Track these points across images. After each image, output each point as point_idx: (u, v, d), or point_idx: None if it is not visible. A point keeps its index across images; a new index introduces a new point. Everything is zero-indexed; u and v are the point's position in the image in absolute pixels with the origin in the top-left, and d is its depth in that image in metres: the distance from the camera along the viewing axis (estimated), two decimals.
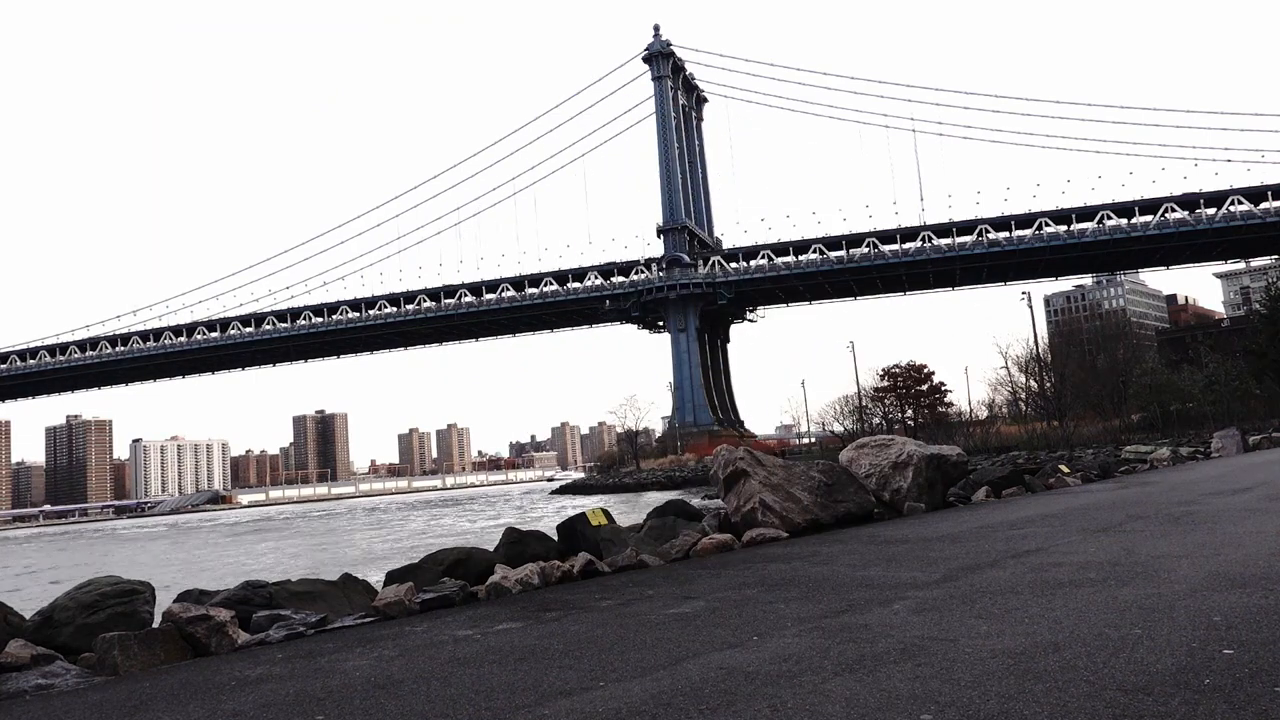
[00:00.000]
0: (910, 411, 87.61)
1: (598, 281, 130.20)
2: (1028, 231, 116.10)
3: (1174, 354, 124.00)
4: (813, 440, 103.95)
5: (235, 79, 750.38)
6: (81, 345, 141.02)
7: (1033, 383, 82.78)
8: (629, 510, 36.36)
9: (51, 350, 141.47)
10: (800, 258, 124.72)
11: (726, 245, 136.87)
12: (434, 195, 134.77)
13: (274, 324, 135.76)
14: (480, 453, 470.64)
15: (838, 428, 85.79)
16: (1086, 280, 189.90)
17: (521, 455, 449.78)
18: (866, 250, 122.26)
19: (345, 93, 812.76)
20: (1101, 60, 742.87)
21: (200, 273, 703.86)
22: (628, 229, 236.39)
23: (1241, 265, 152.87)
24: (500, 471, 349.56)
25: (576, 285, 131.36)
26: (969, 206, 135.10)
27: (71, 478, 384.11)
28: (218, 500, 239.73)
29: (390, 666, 4.75)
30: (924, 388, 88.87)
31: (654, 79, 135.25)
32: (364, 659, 5.01)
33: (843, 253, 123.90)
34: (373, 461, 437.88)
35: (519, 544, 9.12)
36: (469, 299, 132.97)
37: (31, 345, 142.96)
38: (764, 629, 5.01)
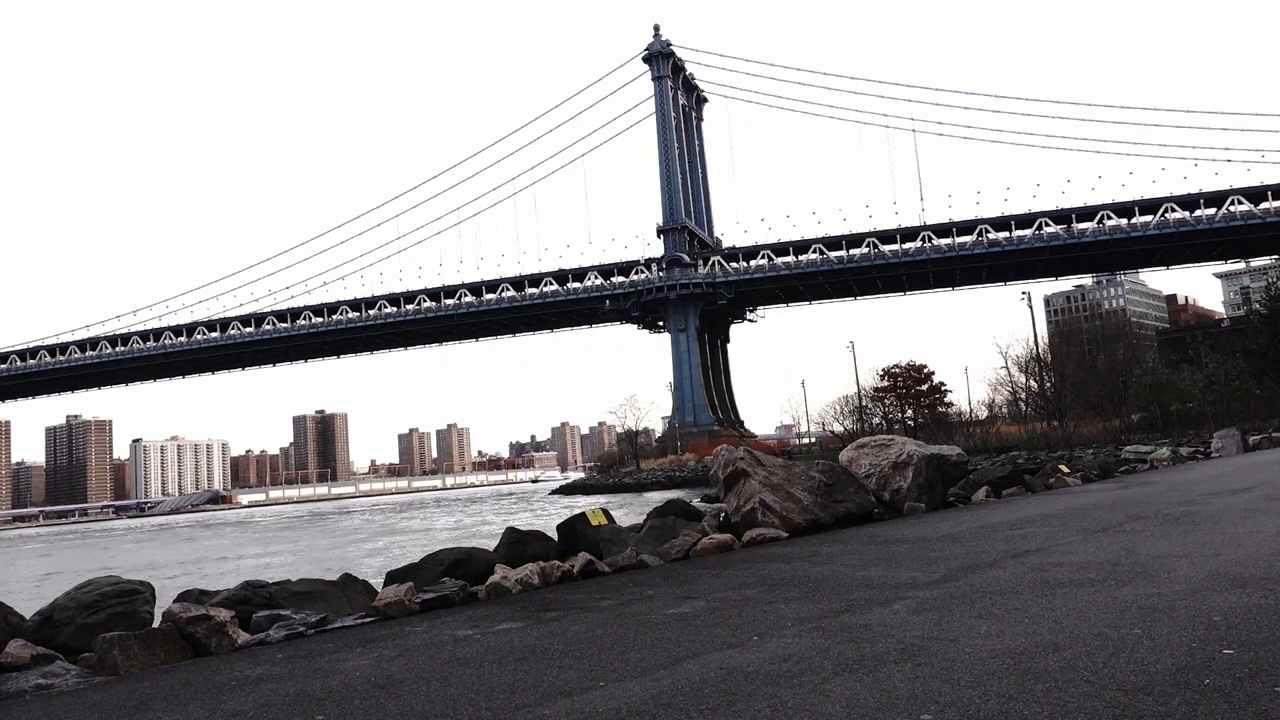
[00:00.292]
0: (910, 411, 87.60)
1: (598, 281, 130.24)
2: (1028, 231, 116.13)
3: (1174, 354, 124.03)
4: (813, 440, 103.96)
5: (235, 79, 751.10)
6: (81, 345, 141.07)
7: (1033, 383, 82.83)
8: (629, 510, 36.35)
9: (51, 350, 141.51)
10: (800, 258, 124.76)
11: (726, 245, 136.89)
12: (434, 195, 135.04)
13: (274, 324, 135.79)
14: (480, 453, 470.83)
15: (838, 428, 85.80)
16: (1086, 280, 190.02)
17: (521, 455, 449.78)
18: (866, 250, 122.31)
19: (345, 93, 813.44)
20: (1101, 60, 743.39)
21: (200, 273, 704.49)
22: (628, 229, 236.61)
23: (1241, 265, 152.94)
24: (500, 471, 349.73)
25: (576, 285, 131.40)
26: (969, 206, 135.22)
27: (71, 478, 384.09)
28: (218, 500, 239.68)
29: (390, 666, 4.75)
30: (924, 388, 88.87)
31: (654, 79, 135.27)
32: (364, 659, 5.01)
33: (843, 253, 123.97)
34: (373, 461, 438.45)
35: (519, 544, 9.12)
36: (469, 299, 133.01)
37: (31, 345, 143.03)
38: (764, 629, 5.01)
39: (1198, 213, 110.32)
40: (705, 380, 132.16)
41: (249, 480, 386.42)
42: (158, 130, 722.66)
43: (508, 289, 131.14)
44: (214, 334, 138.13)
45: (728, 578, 7.29)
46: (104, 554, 49.61)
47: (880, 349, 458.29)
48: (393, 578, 8.06)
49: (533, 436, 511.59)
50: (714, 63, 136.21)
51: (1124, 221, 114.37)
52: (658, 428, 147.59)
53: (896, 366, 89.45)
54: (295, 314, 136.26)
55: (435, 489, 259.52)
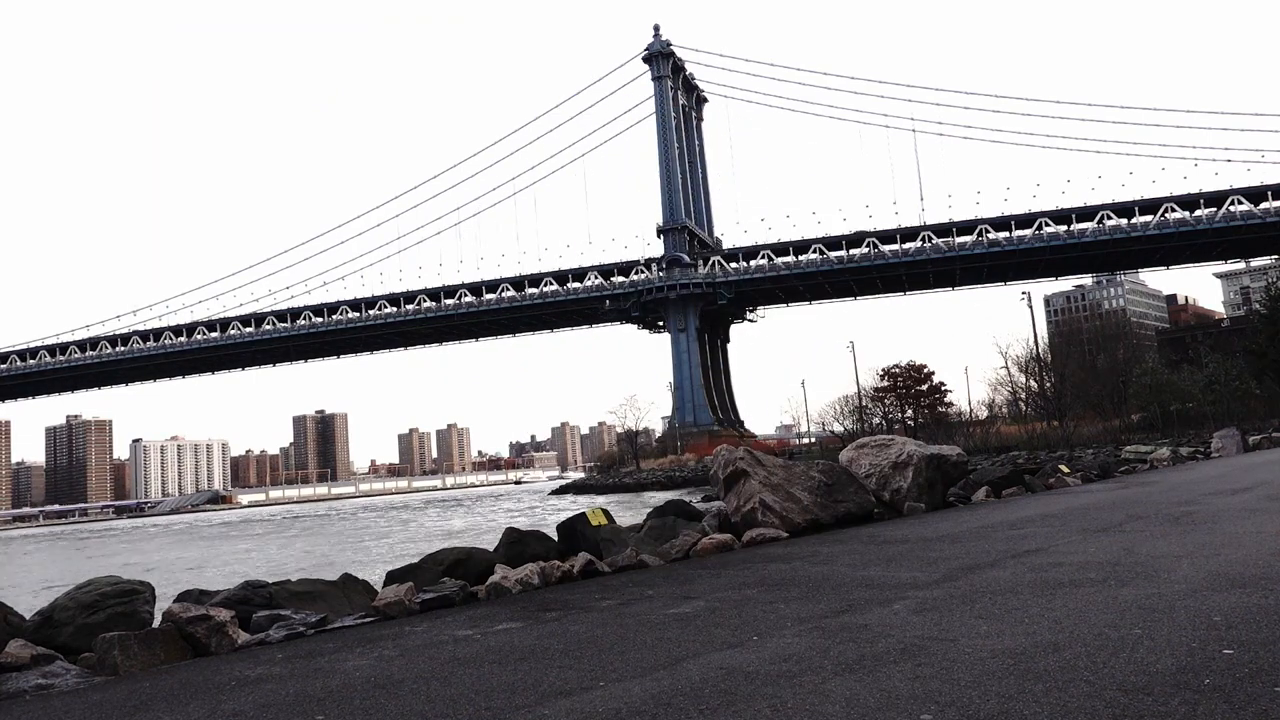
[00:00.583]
0: (910, 411, 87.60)
1: (598, 281, 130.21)
2: (1028, 231, 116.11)
3: (1174, 354, 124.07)
4: (813, 440, 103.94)
5: (235, 79, 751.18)
6: (81, 345, 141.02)
7: (1033, 383, 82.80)
8: (629, 510, 36.35)
9: (51, 350, 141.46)
10: (800, 258, 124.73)
11: (726, 245, 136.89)
12: (434, 195, 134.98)
13: (274, 324, 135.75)
14: (480, 453, 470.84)
15: (838, 428, 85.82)
16: (1086, 280, 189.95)
17: (521, 455, 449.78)
18: (866, 250, 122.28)
19: (345, 93, 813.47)
20: (1101, 60, 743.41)
21: (200, 273, 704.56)
22: (628, 229, 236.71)
23: (1241, 265, 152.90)
24: (500, 471, 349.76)
25: (576, 285, 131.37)
26: (969, 206, 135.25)
27: (71, 478, 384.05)
28: (218, 500, 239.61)
29: (390, 666, 4.75)
30: (924, 388, 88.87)
31: (654, 79, 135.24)
32: (364, 659, 5.01)
33: (843, 253, 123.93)
34: (373, 461, 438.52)
35: (519, 544, 9.13)
36: (469, 299, 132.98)
37: (31, 345, 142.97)
38: (764, 629, 5.01)
39: (1198, 213, 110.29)
40: (705, 380, 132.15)
41: (249, 480, 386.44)
42: (158, 130, 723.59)
43: (508, 289, 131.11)
44: (214, 334, 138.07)
45: (728, 578, 7.29)
46: (104, 554, 49.61)
47: (880, 349, 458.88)
48: (393, 578, 8.06)
49: (533, 436, 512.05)
50: (714, 63, 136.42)
51: (1124, 221, 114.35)
52: (658, 428, 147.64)
53: (896, 366, 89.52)
54: (295, 314, 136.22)
55: (435, 489, 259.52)
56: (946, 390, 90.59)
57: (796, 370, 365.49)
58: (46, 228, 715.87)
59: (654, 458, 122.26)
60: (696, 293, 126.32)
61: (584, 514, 9.88)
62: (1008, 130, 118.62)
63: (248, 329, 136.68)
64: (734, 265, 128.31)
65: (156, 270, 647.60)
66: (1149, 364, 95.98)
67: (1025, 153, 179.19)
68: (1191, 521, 9.10)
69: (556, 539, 9.57)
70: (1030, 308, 73.70)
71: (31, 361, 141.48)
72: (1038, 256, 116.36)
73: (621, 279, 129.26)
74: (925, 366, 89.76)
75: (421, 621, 6.26)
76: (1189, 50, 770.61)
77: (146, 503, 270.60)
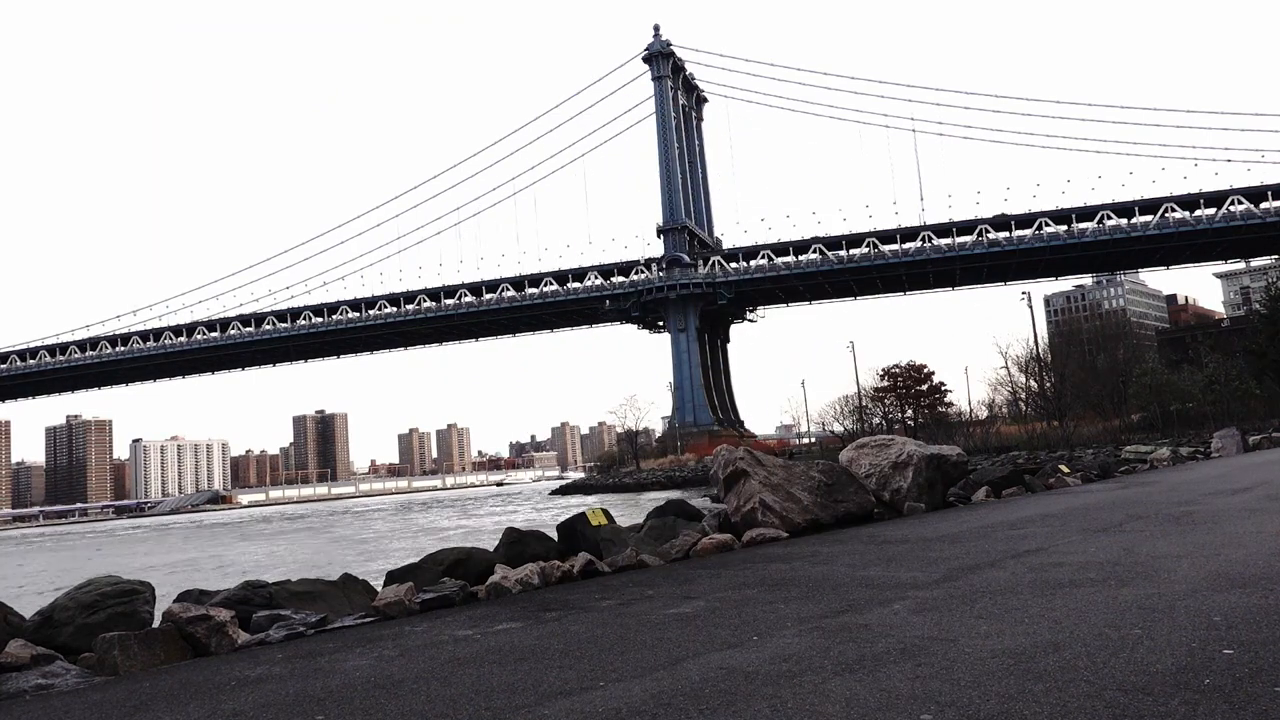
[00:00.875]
0: (910, 411, 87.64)
1: (598, 281, 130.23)
2: (1028, 231, 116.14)
3: (1174, 354, 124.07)
4: (813, 440, 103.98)
5: (235, 79, 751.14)
6: (81, 345, 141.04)
7: (1033, 383, 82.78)
8: (629, 510, 36.33)
9: (51, 350, 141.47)
10: (800, 258, 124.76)
11: (726, 245, 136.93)
12: (434, 195, 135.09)
13: (274, 324, 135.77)
14: (480, 453, 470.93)
15: (838, 428, 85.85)
16: (1086, 280, 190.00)
17: (521, 455, 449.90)
18: (866, 250, 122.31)
19: (345, 93, 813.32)
20: (1101, 60, 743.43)
21: (200, 273, 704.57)
22: (628, 229, 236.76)
23: (1241, 265, 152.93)
24: (501, 471, 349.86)
25: (576, 285, 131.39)
26: (969, 206, 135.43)
27: (71, 478, 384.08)
28: (218, 500, 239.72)
29: (390, 666, 4.75)
30: (924, 388, 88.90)
31: (654, 79, 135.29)
32: (364, 659, 5.01)
33: (843, 253, 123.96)
34: (373, 461, 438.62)
35: (519, 544, 9.12)
36: (469, 299, 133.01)
37: (31, 345, 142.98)
38: (764, 629, 5.01)
39: (1198, 213, 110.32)
40: (705, 380, 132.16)
41: (249, 480, 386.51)
42: (158, 130, 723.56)
43: (508, 289, 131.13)
44: (214, 334, 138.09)
45: (728, 578, 7.29)
46: (104, 554, 49.61)
47: (880, 349, 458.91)
48: (393, 578, 8.06)
49: (533, 436, 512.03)
50: (714, 63, 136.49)
51: (1124, 221, 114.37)
52: (658, 428, 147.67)
53: (896, 366, 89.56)
54: (295, 314, 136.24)
55: (435, 489, 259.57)
56: (946, 390, 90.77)
57: (796, 370, 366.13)
58: (46, 228, 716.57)
59: (654, 458, 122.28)
60: (696, 293, 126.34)
61: (584, 514, 9.87)
62: (1008, 130, 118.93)
63: (248, 329, 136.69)
64: (734, 265, 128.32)
65: (156, 270, 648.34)
66: (1149, 364, 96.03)
67: (1025, 153, 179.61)
68: (1191, 521, 9.10)
69: (556, 539, 9.57)
70: (1030, 308, 73.74)
71: (31, 361, 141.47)
72: (1038, 256, 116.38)
73: (621, 279, 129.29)
74: (925, 366, 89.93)
75: (421, 621, 6.26)
76: (1189, 50, 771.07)
77: (146, 503, 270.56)
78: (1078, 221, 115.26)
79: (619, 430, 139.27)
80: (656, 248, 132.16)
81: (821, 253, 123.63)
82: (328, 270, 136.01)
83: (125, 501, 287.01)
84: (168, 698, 4.44)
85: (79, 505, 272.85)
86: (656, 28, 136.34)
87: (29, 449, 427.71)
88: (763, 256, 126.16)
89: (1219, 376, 74.65)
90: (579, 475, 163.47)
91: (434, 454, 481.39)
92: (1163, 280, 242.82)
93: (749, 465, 11.25)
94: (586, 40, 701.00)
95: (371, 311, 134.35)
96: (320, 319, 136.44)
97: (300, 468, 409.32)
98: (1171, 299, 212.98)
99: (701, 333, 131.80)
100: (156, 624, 6.19)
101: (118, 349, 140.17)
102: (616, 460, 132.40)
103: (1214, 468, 22.06)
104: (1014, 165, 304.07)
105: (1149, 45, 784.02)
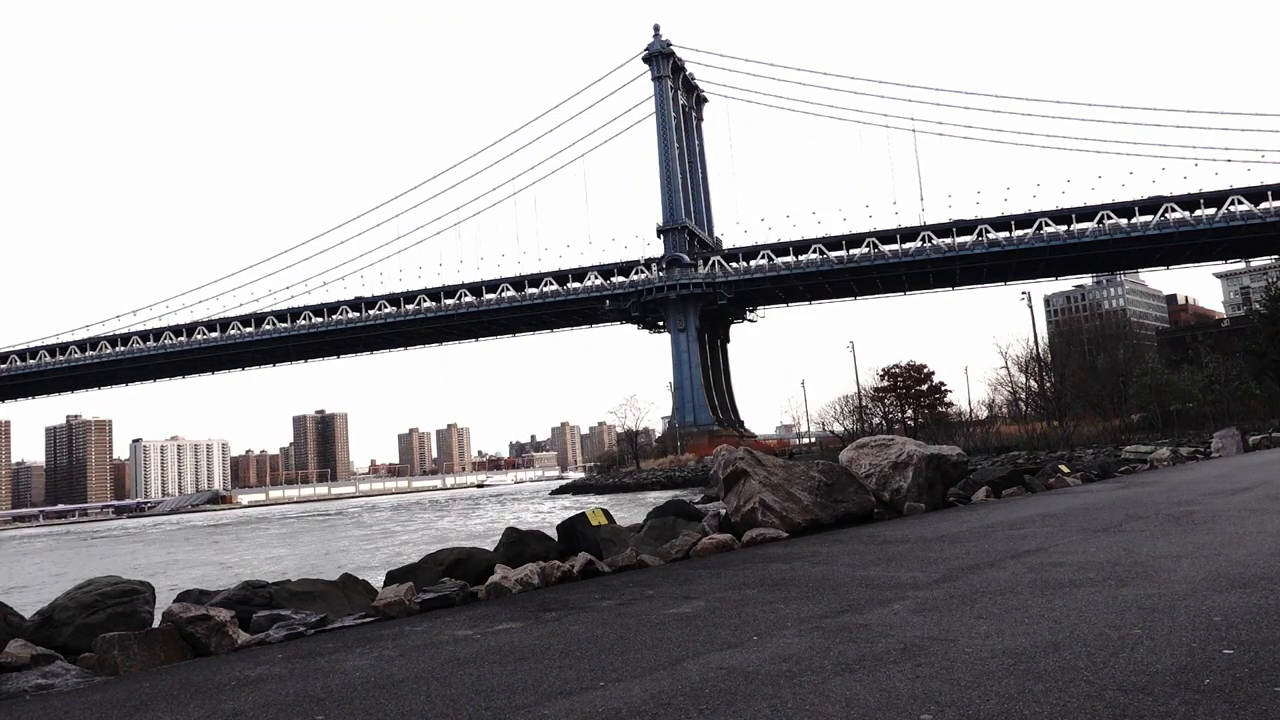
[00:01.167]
0: (910, 411, 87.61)
1: (598, 281, 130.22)
2: (1028, 231, 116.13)
3: (1174, 354, 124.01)
4: (813, 440, 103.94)
5: (235, 79, 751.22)
6: (81, 345, 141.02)
7: (1033, 383, 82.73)
8: (629, 510, 36.34)
9: (51, 350, 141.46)
10: (800, 258, 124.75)
11: (726, 245, 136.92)
12: (434, 195, 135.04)
13: (274, 324, 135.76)
14: (480, 453, 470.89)
15: (838, 428, 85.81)
16: (1086, 280, 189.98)
17: (521, 455, 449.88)
18: (866, 250, 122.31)
19: (345, 93, 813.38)
20: (1101, 60, 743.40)
21: (200, 273, 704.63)
22: (628, 229, 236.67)
23: (1241, 265, 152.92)
24: (501, 471, 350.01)
25: (576, 285, 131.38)
26: (969, 206, 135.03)
27: (71, 478, 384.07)
28: (218, 500, 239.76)
29: (390, 666, 4.75)
30: (924, 388, 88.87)
31: (654, 79, 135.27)
32: (364, 659, 5.01)
33: (843, 253, 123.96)
34: (373, 461, 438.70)
35: (519, 544, 9.12)
36: (469, 299, 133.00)
37: (31, 345, 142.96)
38: (764, 629, 5.01)
39: (1198, 213, 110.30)
40: (705, 380, 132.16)
41: (249, 480, 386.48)
42: (158, 130, 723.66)
43: (508, 289, 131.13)
44: (214, 334, 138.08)
45: (728, 578, 7.29)
46: (104, 554, 49.61)
47: (880, 349, 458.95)
48: (393, 578, 8.06)
49: (533, 436, 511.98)
50: (714, 63, 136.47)
51: (1124, 221, 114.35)
52: (658, 428, 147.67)
53: (896, 366, 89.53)
54: (295, 314, 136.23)
55: (435, 489, 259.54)
56: (946, 390, 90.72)
57: (796, 370, 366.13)
58: (47, 228, 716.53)
59: (654, 458, 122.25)
60: (696, 293, 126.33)
61: (584, 514, 9.87)
62: (1008, 130, 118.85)
63: (248, 329, 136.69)
64: (734, 265, 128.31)
65: (156, 270, 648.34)
66: (1149, 364, 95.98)
67: (1025, 153, 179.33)
68: (1191, 521, 9.10)
69: (556, 539, 9.57)
70: (1030, 308, 73.69)
71: (31, 361, 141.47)
72: (1038, 256, 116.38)
73: (621, 279, 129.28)
74: (925, 366, 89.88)
75: (421, 621, 6.26)
76: (1189, 50, 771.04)
77: (146, 503, 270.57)
78: (1078, 221, 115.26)
79: (619, 430, 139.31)
80: (656, 248, 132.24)
81: (821, 253, 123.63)
82: (328, 270, 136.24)
83: (125, 501, 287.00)
84: (168, 698, 4.44)
85: (79, 505, 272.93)
86: (656, 28, 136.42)
87: (29, 449, 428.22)
88: (763, 256, 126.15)
89: (1219, 376, 74.65)
90: (579, 475, 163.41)
91: (434, 454, 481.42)
92: (1163, 280, 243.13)
93: (749, 465, 11.25)
94: (587, 40, 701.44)
95: (371, 311, 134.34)
96: (320, 319, 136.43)
97: (300, 468, 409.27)
98: (1171, 299, 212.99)
99: (701, 333, 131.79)
100: (156, 624, 6.19)
101: (118, 349, 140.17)
102: (616, 460, 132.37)
103: (1214, 468, 22.06)
104: (1014, 165, 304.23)
105: (1149, 45, 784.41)
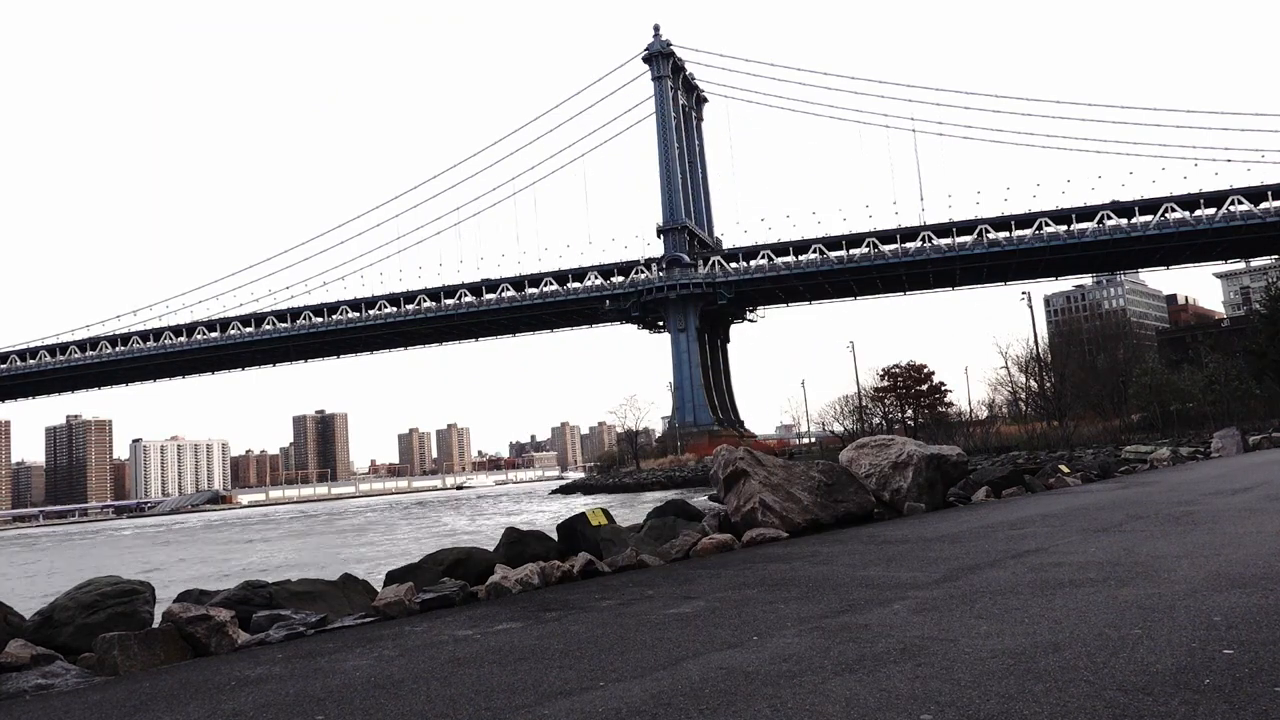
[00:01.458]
0: (910, 411, 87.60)
1: (598, 281, 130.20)
2: (1028, 231, 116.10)
3: (1174, 354, 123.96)
4: (813, 440, 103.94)
5: (235, 79, 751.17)
6: (81, 345, 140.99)
7: (1033, 383, 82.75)
8: (629, 510, 36.33)
9: (51, 350, 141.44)
10: (800, 258, 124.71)
11: (726, 245, 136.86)
12: (434, 195, 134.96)
13: (274, 324, 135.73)
14: (480, 453, 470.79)
15: (838, 428, 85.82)
16: (1086, 280, 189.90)
17: (521, 455, 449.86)
18: (866, 250, 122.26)
19: (345, 93, 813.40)
20: (1101, 60, 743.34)
21: (200, 273, 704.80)
22: (628, 229, 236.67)
23: (1241, 265, 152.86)
24: (501, 471, 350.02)
25: (576, 285, 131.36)
26: (969, 206, 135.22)
27: (71, 478, 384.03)
28: (218, 500, 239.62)
29: (390, 666, 4.75)
30: (924, 388, 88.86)
31: (654, 79, 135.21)
32: (364, 659, 5.01)
33: (843, 253, 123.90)
34: (373, 461, 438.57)
35: (519, 544, 9.12)
36: (469, 299, 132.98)
37: (31, 345, 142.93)
38: (764, 629, 5.01)
39: (1198, 213, 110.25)
40: (705, 380, 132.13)
41: (249, 480, 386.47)
42: (158, 130, 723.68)
43: (508, 289, 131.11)
44: (214, 334, 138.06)
45: (728, 578, 7.29)
46: (103, 554, 49.61)
47: (880, 349, 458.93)
48: (393, 578, 8.06)
49: (533, 436, 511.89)
50: (714, 63, 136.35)
51: (1124, 221, 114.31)
52: (658, 428, 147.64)
53: (896, 366, 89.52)
54: (295, 314, 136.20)
55: (435, 489, 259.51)
56: (946, 390, 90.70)
57: (796, 370, 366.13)
58: (47, 228, 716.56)
59: (654, 458, 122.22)
60: (696, 293, 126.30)
61: (584, 514, 9.86)
62: (1008, 130, 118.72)
63: (248, 329, 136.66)
64: (734, 265, 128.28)
65: (156, 270, 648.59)
66: (1149, 364, 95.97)
67: (1025, 153, 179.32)
68: (1191, 521, 9.10)
69: (556, 539, 9.57)
70: (1030, 308, 73.67)
71: (31, 361, 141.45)
72: (1038, 256, 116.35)
73: (621, 279, 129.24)
74: (925, 366, 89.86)
75: (421, 621, 6.26)
76: (1189, 50, 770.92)
77: (146, 503, 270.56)
78: (1078, 221, 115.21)
79: (619, 430, 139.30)
80: (656, 248, 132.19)
81: (821, 253, 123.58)
82: (328, 270, 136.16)
83: (125, 501, 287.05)
84: (168, 698, 4.44)
85: (79, 505, 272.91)
86: (656, 28, 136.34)
87: (29, 449, 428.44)
88: (763, 256, 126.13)
89: (1219, 376, 74.63)
90: (579, 475, 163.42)
91: (434, 454, 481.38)
92: (1163, 280, 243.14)
93: (749, 465, 11.24)
94: (587, 41, 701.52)
95: (371, 311, 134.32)
96: (320, 319, 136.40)
97: (300, 468, 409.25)
98: (1171, 299, 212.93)
99: (701, 333, 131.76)
100: (156, 624, 6.19)
101: (118, 349, 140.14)
102: (616, 460, 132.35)
103: (1214, 468, 22.06)
104: (1014, 165, 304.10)
105: (1149, 45, 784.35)
